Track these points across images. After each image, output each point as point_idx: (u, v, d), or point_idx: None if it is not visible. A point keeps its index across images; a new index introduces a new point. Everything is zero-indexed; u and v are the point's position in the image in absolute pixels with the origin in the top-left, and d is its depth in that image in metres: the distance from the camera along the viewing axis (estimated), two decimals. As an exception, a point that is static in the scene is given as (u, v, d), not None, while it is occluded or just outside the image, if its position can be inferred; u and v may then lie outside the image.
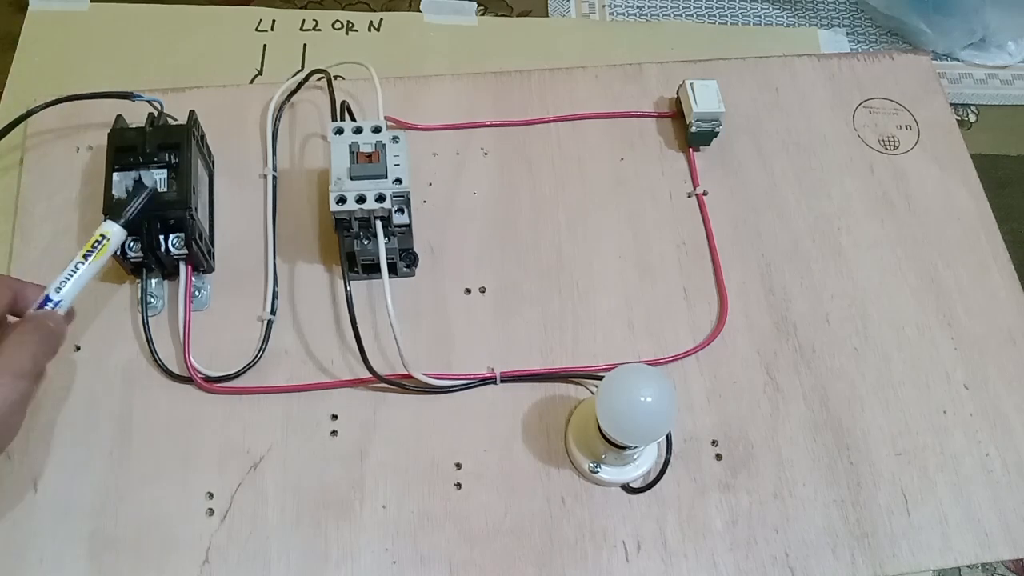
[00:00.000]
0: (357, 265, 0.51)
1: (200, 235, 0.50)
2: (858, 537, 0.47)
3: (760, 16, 0.91)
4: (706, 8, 0.91)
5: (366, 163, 0.47)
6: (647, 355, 0.52)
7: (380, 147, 0.47)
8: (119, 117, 0.50)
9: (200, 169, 0.51)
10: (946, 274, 0.56)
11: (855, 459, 0.49)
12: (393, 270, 0.52)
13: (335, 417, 0.49)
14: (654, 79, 0.62)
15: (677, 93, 0.60)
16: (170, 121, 0.51)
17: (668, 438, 0.48)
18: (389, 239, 0.49)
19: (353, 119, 0.57)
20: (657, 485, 0.48)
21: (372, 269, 0.50)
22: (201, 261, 0.51)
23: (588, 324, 0.53)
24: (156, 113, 0.51)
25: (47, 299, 0.43)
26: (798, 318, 0.53)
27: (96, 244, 0.44)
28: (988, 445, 0.50)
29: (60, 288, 0.43)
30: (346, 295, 0.49)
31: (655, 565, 0.46)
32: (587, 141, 0.59)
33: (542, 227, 0.56)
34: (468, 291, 0.53)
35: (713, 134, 0.58)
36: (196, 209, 0.49)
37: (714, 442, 0.49)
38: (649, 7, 0.90)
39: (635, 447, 0.44)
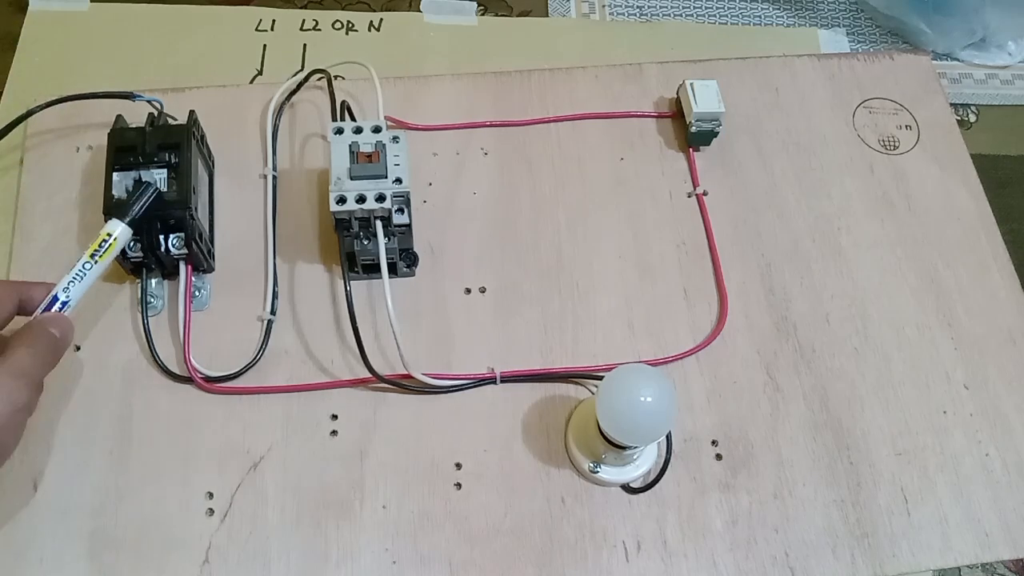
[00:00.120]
0: (357, 265, 0.51)
1: (200, 235, 0.50)
2: (858, 537, 0.47)
3: (760, 16, 0.91)
4: (706, 8, 0.91)
5: (366, 163, 0.47)
6: (647, 355, 0.52)
7: (380, 147, 0.47)
8: (119, 117, 0.50)
9: (200, 169, 0.51)
10: (946, 274, 0.56)
11: (855, 459, 0.49)
12: (393, 270, 0.52)
13: (335, 417, 0.49)
14: (654, 79, 0.62)
15: (677, 93, 0.60)
16: (170, 121, 0.51)
17: (668, 438, 0.48)
18: (389, 239, 0.49)
19: (353, 119, 0.57)
20: (657, 485, 0.48)
21: (372, 269, 0.50)
22: (201, 261, 0.51)
23: (588, 324, 0.53)
24: (156, 113, 0.51)
25: (55, 299, 0.43)
26: (798, 318, 0.53)
27: (103, 244, 0.45)
28: (988, 445, 0.50)
29: (68, 288, 0.44)
30: (346, 295, 0.49)
31: (655, 565, 0.46)
32: (587, 141, 0.59)
33: (542, 227, 0.56)
34: (468, 291, 0.53)
35: (713, 134, 0.58)
36: (196, 209, 0.49)
37: (714, 442, 0.49)
38: (649, 7, 0.90)
39: (635, 447, 0.44)
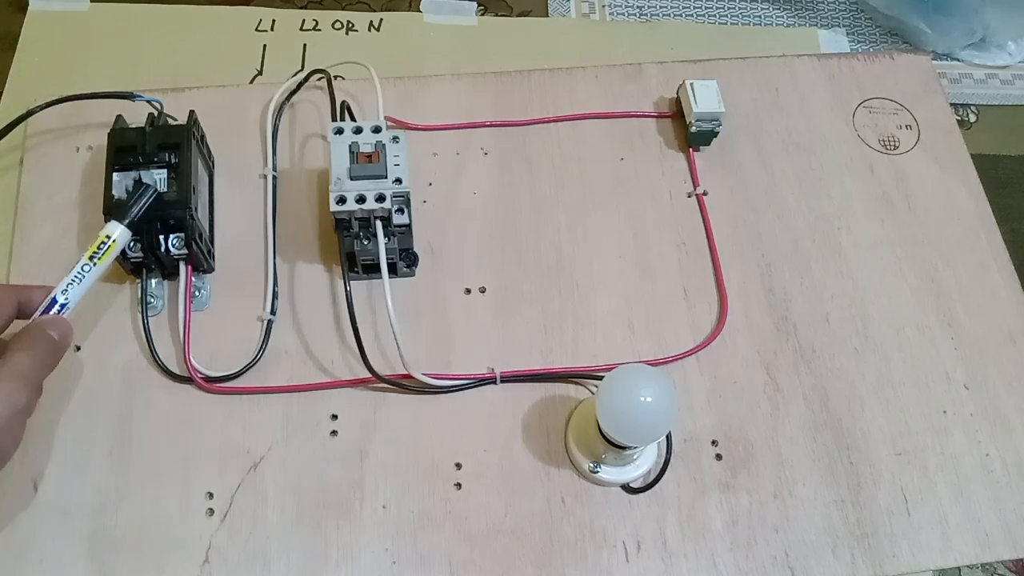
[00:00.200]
0: (357, 265, 0.51)
1: (200, 235, 0.50)
2: (858, 537, 0.47)
3: (760, 16, 0.91)
4: (706, 8, 0.91)
5: (366, 163, 0.47)
6: (647, 355, 0.52)
7: (380, 147, 0.47)
8: (119, 117, 0.50)
9: (200, 169, 0.51)
10: (946, 274, 0.56)
11: (855, 459, 0.49)
12: (393, 270, 0.52)
13: (335, 417, 0.49)
14: (654, 79, 0.62)
15: (677, 93, 0.60)
16: (170, 121, 0.51)
17: (668, 438, 0.48)
18: (389, 239, 0.49)
19: (353, 119, 0.57)
20: (657, 485, 0.48)
21: (372, 269, 0.50)
22: (201, 261, 0.51)
23: (588, 324, 0.53)
24: (156, 113, 0.51)
25: (54, 301, 0.43)
26: (798, 318, 0.53)
27: (102, 246, 0.45)
28: (988, 445, 0.50)
29: (67, 290, 0.44)
30: (346, 295, 0.49)
31: (655, 565, 0.46)
32: (587, 141, 0.59)
33: (542, 227, 0.56)
34: (468, 291, 0.53)
35: (713, 134, 0.58)
36: (196, 209, 0.49)
37: (714, 442, 0.49)
38: (649, 7, 0.90)
39: (635, 447, 0.44)
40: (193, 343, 0.50)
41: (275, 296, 0.52)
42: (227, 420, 0.48)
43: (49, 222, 0.54)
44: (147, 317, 0.50)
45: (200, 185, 0.51)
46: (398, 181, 0.47)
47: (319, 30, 0.76)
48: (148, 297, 0.50)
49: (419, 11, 0.79)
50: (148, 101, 0.52)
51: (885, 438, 0.50)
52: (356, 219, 0.47)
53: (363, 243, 0.48)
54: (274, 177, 0.55)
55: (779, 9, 0.91)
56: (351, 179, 0.46)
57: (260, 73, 0.72)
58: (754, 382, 0.51)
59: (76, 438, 0.47)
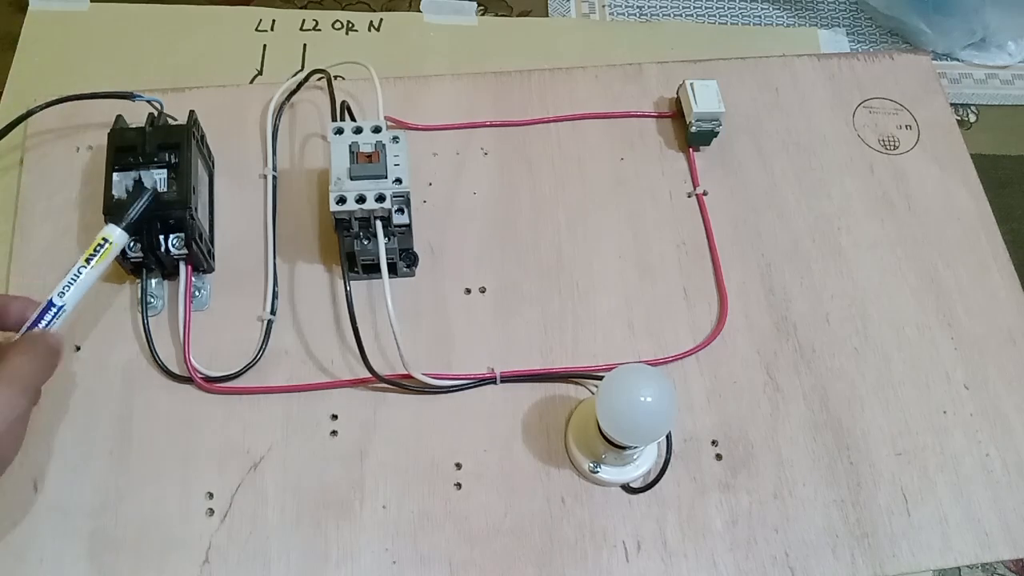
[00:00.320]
0: (357, 265, 0.51)
1: (200, 235, 0.50)
2: (858, 537, 0.47)
3: (760, 16, 0.91)
4: (706, 8, 0.91)
5: (366, 163, 0.47)
6: (647, 355, 0.52)
7: (380, 147, 0.47)
8: (119, 117, 0.50)
9: (200, 169, 0.51)
10: (946, 274, 0.56)
11: (855, 459, 0.49)
12: (393, 270, 0.52)
13: (335, 417, 0.49)
14: (654, 79, 0.62)
15: (677, 93, 0.60)
16: (170, 121, 0.51)
17: (668, 438, 0.48)
18: (389, 239, 0.49)
19: (353, 119, 0.57)
20: (657, 485, 0.48)
21: (372, 269, 0.50)
22: (201, 261, 0.51)
23: (588, 324, 0.53)
24: (156, 113, 0.51)
25: (51, 304, 0.43)
26: (798, 318, 0.53)
27: (98, 248, 0.45)
28: (988, 445, 0.50)
29: (63, 293, 0.43)
30: (346, 295, 0.49)
31: (655, 565, 0.46)
32: (587, 141, 0.59)
33: (542, 227, 0.56)
34: (468, 291, 0.53)
35: (713, 134, 0.58)
36: (196, 209, 0.49)
37: (714, 442, 0.49)
38: (649, 7, 0.90)
39: (635, 447, 0.44)
40: (193, 343, 0.50)
41: (275, 296, 0.52)
42: (227, 420, 0.48)
43: (49, 222, 0.54)
44: (147, 317, 0.50)
45: (200, 185, 0.51)
46: (398, 181, 0.47)
47: (319, 30, 0.76)
48: (148, 297, 0.50)
49: (419, 11, 0.79)
50: (148, 101, 0.52)
51: (885, 438, 0.50)
52: (356, 219, 0.47)
53: (363, 243, 0.48)
54: (274, 177, 0.55)
55: (779, 9, 0.91)
56: (351, 179, 0.46)
57: (260, 73, 0.72)
58: (754, 382, 0.51)
59: (76, 438, 0.48)
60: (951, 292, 0.55)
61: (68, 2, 0.73)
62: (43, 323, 0.43)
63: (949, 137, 0.61)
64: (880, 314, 0.54)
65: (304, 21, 0.76)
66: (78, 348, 0.50)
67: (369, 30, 0.77)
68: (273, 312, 0.51)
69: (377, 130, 0.48)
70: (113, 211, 0.46)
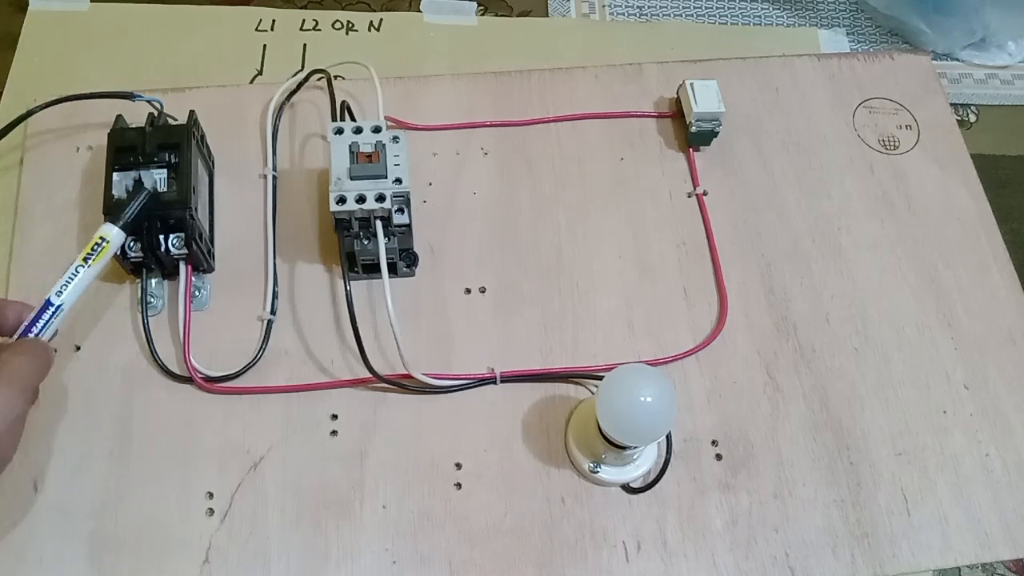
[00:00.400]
0: (357, 265, 0.51)
1: (200, 235, 0.50)
2: (858, 537, 0.47)
3: (760, 16, 0.91)
4: (706, 8, 0.91)
5: (366, 163, 0.47)
6: (647, 355, 0.52)
7: (380, 147, 0.47)
8: (119, 117, 0.50)
9: (200, 169, 0.51)
10: (946, 274, 0.56)
11: (855, 459, 0.49)
12: (393, 270, 0.52)
13: (335, 417, 0.49)
14: (654, 79, 0.62)
15: (677, 93, 0.60)
16: (170, 121, 0.52)
17: (668, 438, 0.48)
18: (389, 239, 0.49)
19: (353, 119, 0.57)
20: (657, 485, 0.48)
21: (372, 269, 0.50)
22: (201, 261, 0.51)
23: (588, 324, 0.53)
24: (156, 113, 0.51)
25: (48, 303, 0.43)
26: (798, 318, 0.53)
27: (96, 247, 0.45)
28: (988, 445, 0.50)
29: (61, 292, 0.43)
30: (346, 295, 0.49)
31: (655, 565, 0.46)
32: (587, 141, 0.59)
33: (542, 227, 0.56)
34: (468, 291, 0.53)
35: (713, 134, 0.58)
36: (196, 209, 0.49)
37: (714, 442, 0.49)
38: (649, 7, 0.90)
39: (635, 447, 0.44)
40: (193, 343, 0.50)
41: (275, 296, 0.52)
42: (227, 420, 0.48)
43: (49, 222, 0.54)
44: (147, 317, 0.50)
45: (200, 185, 0.51)
46: (398, 181, 0.47)
47: (319, 30, 0.76)
48: (148, 297, 0.50)
49: (419, 11, 0.79)
50: (148, 101, 0.52)
51: (885, 438, 0.50)
52: (356, 219, 0.47)
53: (363, 243, 0.48)
54: (274, 177, 0.55)
55: (779, 9, 0.91)
56: (351, 179, 0.46)
57: (260, 73, 0.72)
58: (754, 382, 0.51)
59: (76, 438, 0.47)
60: (951, 292, 0.55)
61: (68, 2, 0.73)
62: (41, 322, 0.43)
63: (949, 137, 0.61)
64: (880, 314, 0.54)
65: (304, 21, 0.76)
66: (78, 348, 0.50)
67: (369, 30, 0.77)
68: (273, 312, 0.51)
69: (377, 130, 0.48)
70: (113, 211, 0.46)
